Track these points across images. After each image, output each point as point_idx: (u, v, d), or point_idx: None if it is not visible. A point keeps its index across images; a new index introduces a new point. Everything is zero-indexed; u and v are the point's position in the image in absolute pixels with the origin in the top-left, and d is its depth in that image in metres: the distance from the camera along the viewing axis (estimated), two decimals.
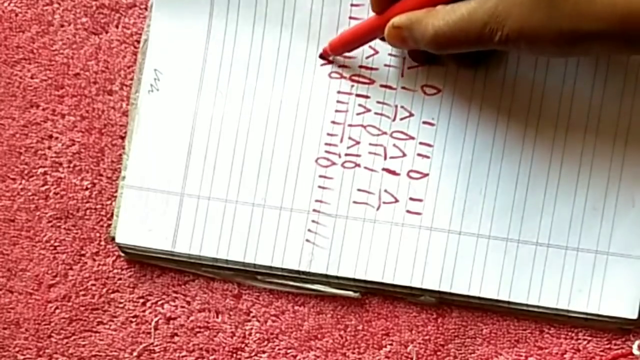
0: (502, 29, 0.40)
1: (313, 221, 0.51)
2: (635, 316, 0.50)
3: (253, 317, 0.53)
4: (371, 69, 0.51)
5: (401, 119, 0.50)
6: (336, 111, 0.51)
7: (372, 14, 0.47)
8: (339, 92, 0.51)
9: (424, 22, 0.43)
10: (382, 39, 0.47)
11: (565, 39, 0.40)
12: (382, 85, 0.51)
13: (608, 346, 0.51)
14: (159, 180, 0.51)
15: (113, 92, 0.53)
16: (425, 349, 0.52)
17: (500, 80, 0.50)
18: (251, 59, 0.51)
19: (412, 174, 0.51)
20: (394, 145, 0.51)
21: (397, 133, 0.51)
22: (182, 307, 0.53)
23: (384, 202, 0.51)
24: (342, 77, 0.51)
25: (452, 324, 0.52)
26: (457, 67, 0.50)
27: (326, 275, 0.51)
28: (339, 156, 0.51)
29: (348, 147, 0.51)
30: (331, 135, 0.51)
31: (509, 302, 0.50)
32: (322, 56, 0.51)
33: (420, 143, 0.50)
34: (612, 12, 0.38)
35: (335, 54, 0.50)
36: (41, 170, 0.53)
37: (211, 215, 0.51)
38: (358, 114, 0.51)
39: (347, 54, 0.50)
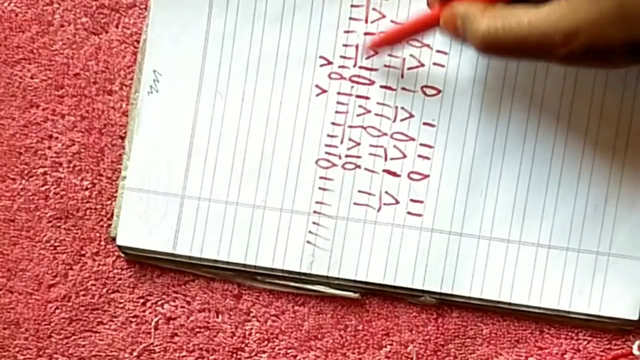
0: (567, 45, 0.38)
1: (314, 223, 0.51)
2: (636, 317, 0.50)
3: (253, 317, 0.53)
4: (371, 69, 0.51)
5: (401, 120, 0.50)
6: (336, 112, 0.51)
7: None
8: (339, 93, 0.51)
9: (478, 18, 0.41)
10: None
11: (637, 53, 0.38)
12: (382, 86, 0.51)
13: (608, 346, 0.51)
14: (159, 182, 0.51)
15: (113, 92, 0.52)
16: (425, 349, 0.52)
17: (501, 81, 0.50)
18: (250, 60, 0.51)
19: (413, 176, 0.51)
20: (395, 146, 0.51)
21: (398, 134, 0.50)
22: (182, 307, 0.53)
23: (385, 204, 0.51)
24: (342, 77, 0.51)
25: (452, 324, 0.52)
26: None
27: (326, 276, 0.51)
28: (340, 157, 0.51)
29: (348, 149, 0.51)
30: (331, 136, 0.51)
31: (509, 303, 0.50)
32: (368, 50, 0.50)
33: (421, 144, 0.50)
34: None
35: (378, 50, 0.50)
36: (41, 170, 0.53)
37: (212, 217, 0.51)
38: (358, 115, 0.51)
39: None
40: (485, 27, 0.40)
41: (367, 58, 0.50)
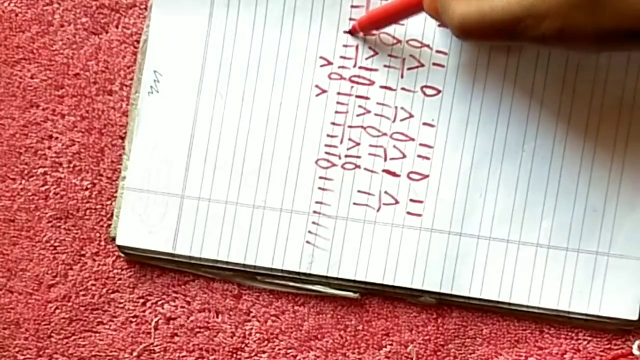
0: (539, 27, 0.39)
1: (313, 223, 0.51)
2: (635, 317, 0.50)
3: (253, 317, 0.53)
4: (371, 69, 0.51)
5: (401, 120, 0.50)
6: (336, 112, 0.51)
7: None
8: (338, 93, 0.51)
9: (453, 3, 0.41)
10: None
11: (608, 38, 0.38)
12: (381, 87, 0.51)
13: (608, 346, 0.51)
14: (159, 182, 0.51)
15: (113, 92, 0.52)
16: (425, 349, 0.52)
17: (500, 82, 0.50)
18: (251, 61, 0.51)
19: (413, 176, 0.51)
20: (394, 146, 0.51)
21: (397, 134, 0.50)
22: (182, 307, 0.53)
23: (384, 204, 0.51)
24: (341, 78, 0.51)
25: (452, 324, 0.52)
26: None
27: (326, 276, 0.51)
28: (339, 157, 0.51)
29: (348, 149, 0.51)
30: (331, 136, 0.51)
31: (509, 303, 0.50)
32: (350, 32, 0.51)
33: (421, 144, 0.50)
34: None
35: (364, 31, 0.50)
36: (41, 170, 0.53)
37: (211, 217, 0.51)
38: (358, 115, 0.51)
39: (376, 32, 0.50)
40: (461, 13, 0.41)
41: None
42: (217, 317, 0.53)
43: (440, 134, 0.50)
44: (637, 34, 0.38)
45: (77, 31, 0.52)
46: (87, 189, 0.53)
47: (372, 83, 0.50)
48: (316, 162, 0.51)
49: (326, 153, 0.51)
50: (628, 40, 0.38)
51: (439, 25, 0.50)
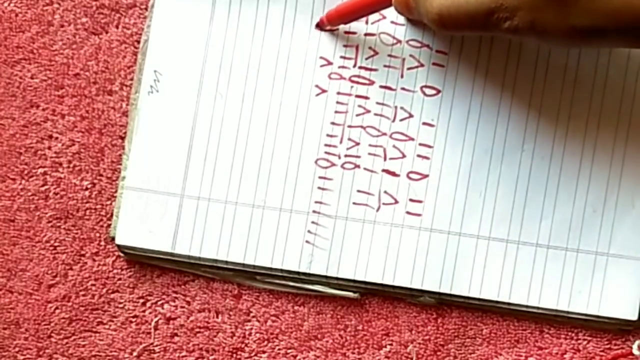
0: (512, 19, 0.39)
1: (313, 222, 0.51)
2: (635, 317, 0.50)
3: (253, 317, 0.53)
4: (370, 69, 0.51)
5: (401, 120, 0.50)
6: (336, 112, 0.51)
7: None
8: (338, 93, 0.51)
9: None
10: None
11: (578, 35, 0.39)
12: (381, 86, 0.51)
13: (608, 346, 0.51)
14: (158, 181, 0.51)
15: (113, 92, 0.52)
16: (425, 349, 0.52)
17: (500, 82, 0.50)
18: (251, 61, 0.51)
19: (412, 175, 0.51)
20: (394, 146, 0.51)
21: (397, 134, 0.51)
22: (182, 307, 0.53)
23: (384, 204, 0.51)
24: (341, 78, 0.51)
25: (452, 324, 0.52)
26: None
27: (325, 276, 0.51)
28: (339, 157, 0.51)
29: (348, 148, 0.51)
30: (331, 136, 0.51)
31: (509, 303, 0.50)
32: (318, 26, 0.51)
33: (420, 144, 0.50)
34: (628, 8, 0.37)
35: (332, 24, 0.50)
36: (41, 170, 0.53)
37: (211, 216, 0.51)
38: (358, 115, 0.51)
39: (344, 26, 0.50)
40: (438, 6, 0.42)
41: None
42: (217, 317, 0.53)
43: (439, 134, 0.50)
44: (607, 32, 0.38)
45: (77, 31, 0.53)
46: (87, 189, 0.53)
47: (371, 83, 0.50)
48: (316, 161, 0.51)
49: (326, 153, 0.51)
50: (598, 37, 0.39)
51: (408, 20, 0.50)
